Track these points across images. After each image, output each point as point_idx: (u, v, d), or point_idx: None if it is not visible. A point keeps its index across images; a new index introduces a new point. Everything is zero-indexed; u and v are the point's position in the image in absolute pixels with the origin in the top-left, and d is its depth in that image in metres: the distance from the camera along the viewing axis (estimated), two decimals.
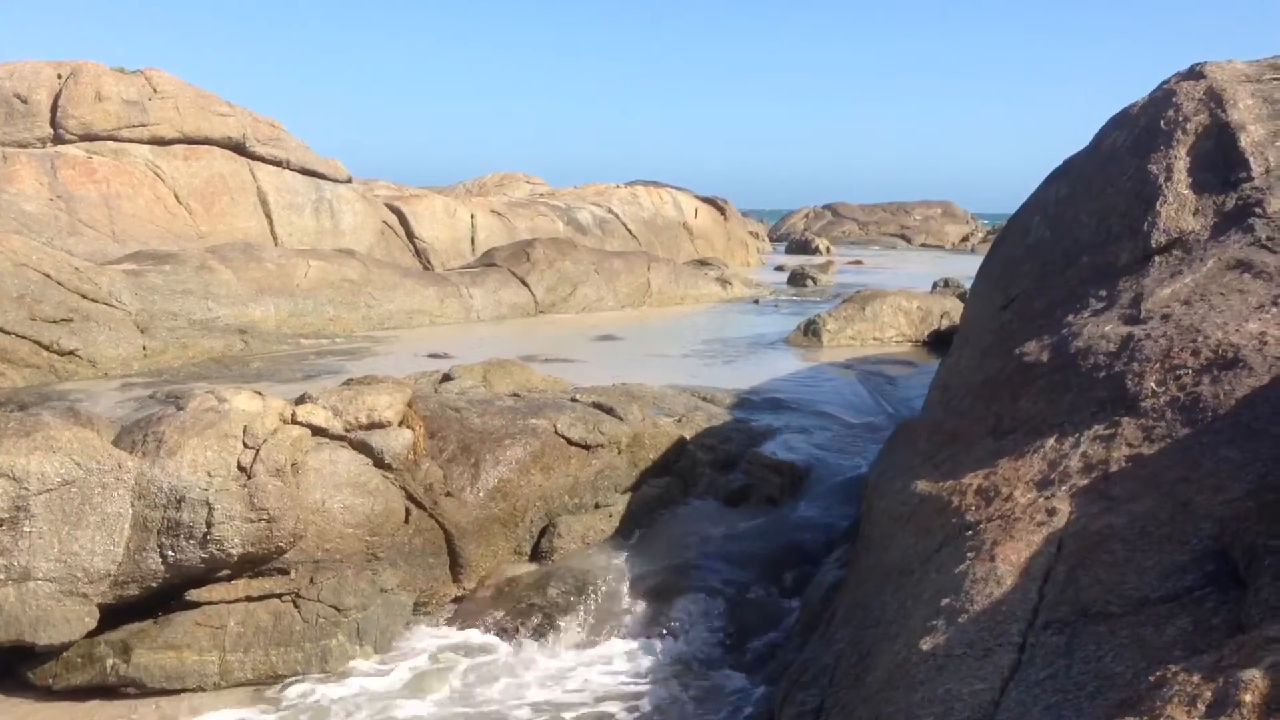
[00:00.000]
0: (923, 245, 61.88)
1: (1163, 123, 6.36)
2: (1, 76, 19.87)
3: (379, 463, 6.43)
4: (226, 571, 5.62)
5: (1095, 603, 3.45)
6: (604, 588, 6.59)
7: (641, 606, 6.50)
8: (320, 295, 16.79)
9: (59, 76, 20.37)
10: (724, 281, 25.05)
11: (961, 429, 5.71)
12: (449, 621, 6.42)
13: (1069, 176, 7.47)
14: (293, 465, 5.92)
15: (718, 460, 8.73)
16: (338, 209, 23.00)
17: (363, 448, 6.44)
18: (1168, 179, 5.95)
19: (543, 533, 7.14)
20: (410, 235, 24.82)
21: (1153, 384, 4.62)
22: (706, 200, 38.78)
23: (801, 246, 48.52)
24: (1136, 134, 6.60)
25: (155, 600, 5.59)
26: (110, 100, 20.26)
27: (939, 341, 16.32)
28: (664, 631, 6.30)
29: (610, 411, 8.17)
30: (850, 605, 5.31)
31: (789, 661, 5.56)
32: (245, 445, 5.85)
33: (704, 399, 11.18)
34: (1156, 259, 5.70)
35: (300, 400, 6.74)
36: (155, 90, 20.91)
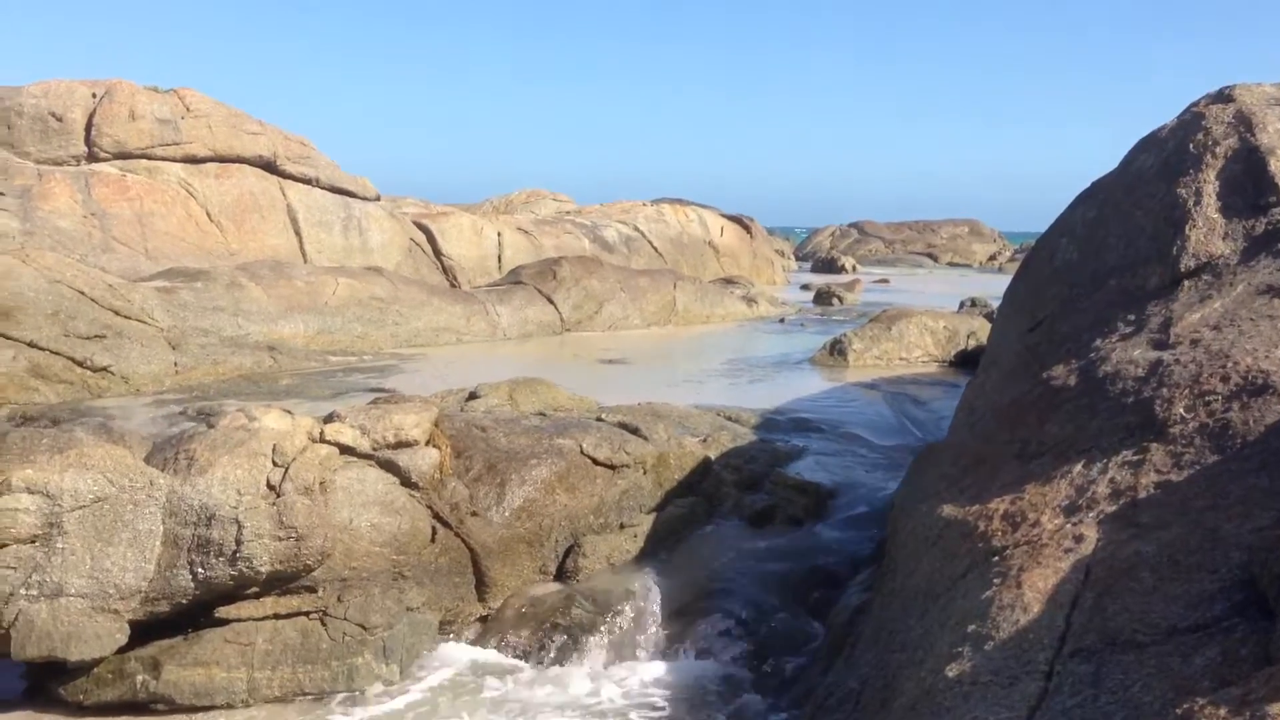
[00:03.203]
0: (949, 264, 61.78)
1: (1191, 146, 6.34)
2: (37, 95, 20.15)
3: (405, 481, 6.47)
4: (255, 589, 5.67)
5: (1123, 631, 3.44)
6: (628, 609, 6.60)
7: (665, 628, 6.51)
8: (348, 313, 16.91)
9: (93, 95, 20.65)
10: (749, 300, 25.06)
11: (987, 452, 5.70)
12: (474, 641, 6.45)
13: (1097, 199, 7.46)
14: (321, 484, 5.97)
15: (742, 480, 8.73)
16: (366, 227, 23.17)
17: (390, 467, 6.48)
18: (1197, 203, 5.93)
19: (568, 553, 7.15)
20: (438, 253, 24.96)
21: (1181, 410, 4.60)
22: (732, 219, 38.83)
23: (827, 265, 48.50)
24: (1165, 157, 6.59)
25: (185, 616, 5.64)
26: (144, 119, 20.52)
27: (966, 362, 16.26)
28: (688, 653, 6.30)
29: (636, 431, 8.19)
30: (875, 629, 5.30)
31: (814, 685, 5.55)
32: (274, 464, 5.90)
33: (729, 418, 11.18)
34: (1185, 283, 5.68)
35: (328, 419, 6.80)
36: (188, 109, 21.16)
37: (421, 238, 24.99)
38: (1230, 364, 4.67)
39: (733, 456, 9.04)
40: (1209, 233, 5.77)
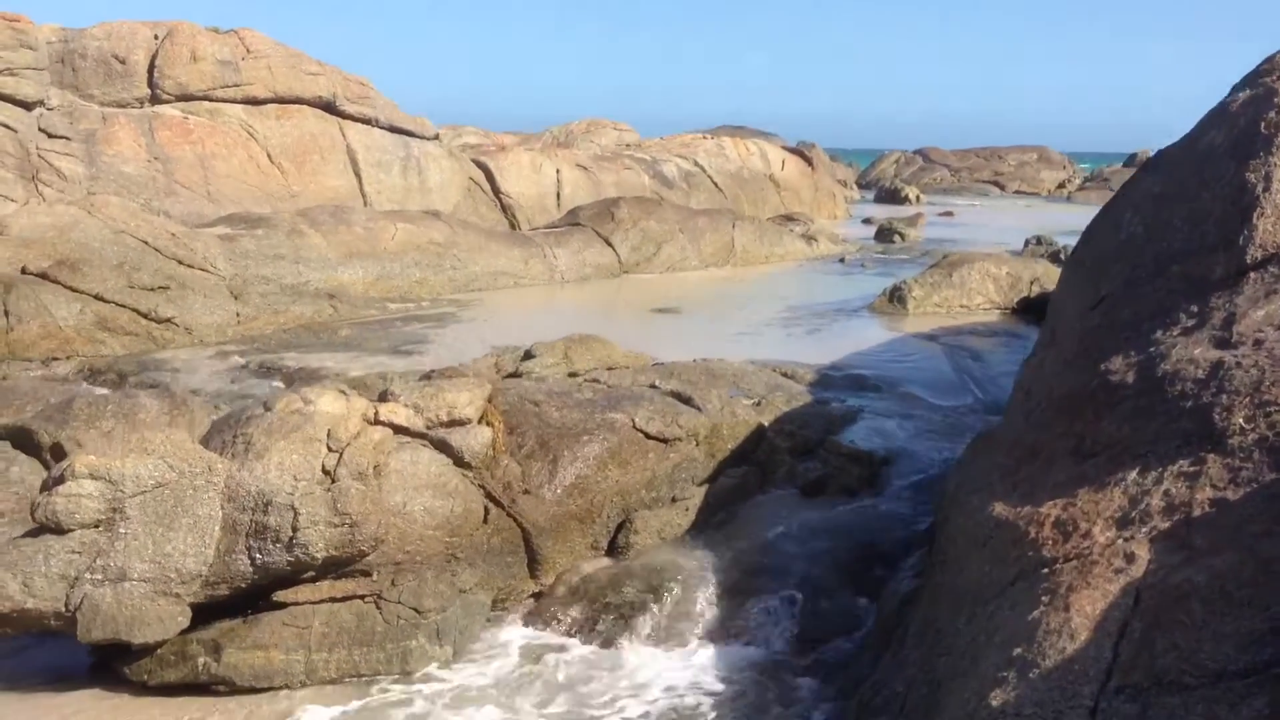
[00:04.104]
0: (1016, 192, 60.66)
1: (1263, 125, 6.12)
2: (99, 37, 20.30)
3: (458, 462, 6.53)
4: (311, 573, 5.78)
5: (1170, 671, 3.40)
6: (679, 587, 6.65)
7: (716, 607, 6.55)
8: (407, 258, 17.01)
9: (155, 37, 20.76)
10: (809, 239, 24.82)
11: (1042, 444, 5.62)
12: (526, 619, 6.54)
13: (1163, 171, 7.24)
14: (375, 468, 6.05)
15: (796, 447, 8.71)
16: (425, 166, 23.19)
17: (443, 446, 6.54)
18: (1265, 189, 5.74)
19: (619, 528, 7.20)
20: (496, 191, 24.96)
21: (1240, 420, 4.50)
22: (793, 151, 38.35)
23: (890, 195, 47.81)
24: (1235, 135, 6.37)
25: (243, 599, 5.78)
26: (205, 61, 20.61)
27: (1028, 309, 16.04)
28: (738, 634, 6.35)
29: (689, 401, 8.19)
30: (922, 625, 5.30)
31: (861, 676, 5.58)
32: (329, 448, 5.98)
33: (784, 375, 11.12)
34: (1251, 275, 5.52)
35: (383, 397, 6.87)
36: (248, 50, 21.22)
37: (480, 176, 24.97)
38: None
39: (786, 422, 9.00)
40: (1278, 222, 5.59)
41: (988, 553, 5.04)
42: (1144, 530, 4.27)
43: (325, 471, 5.89)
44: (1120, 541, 4.27)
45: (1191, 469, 4.47)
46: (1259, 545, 3.79)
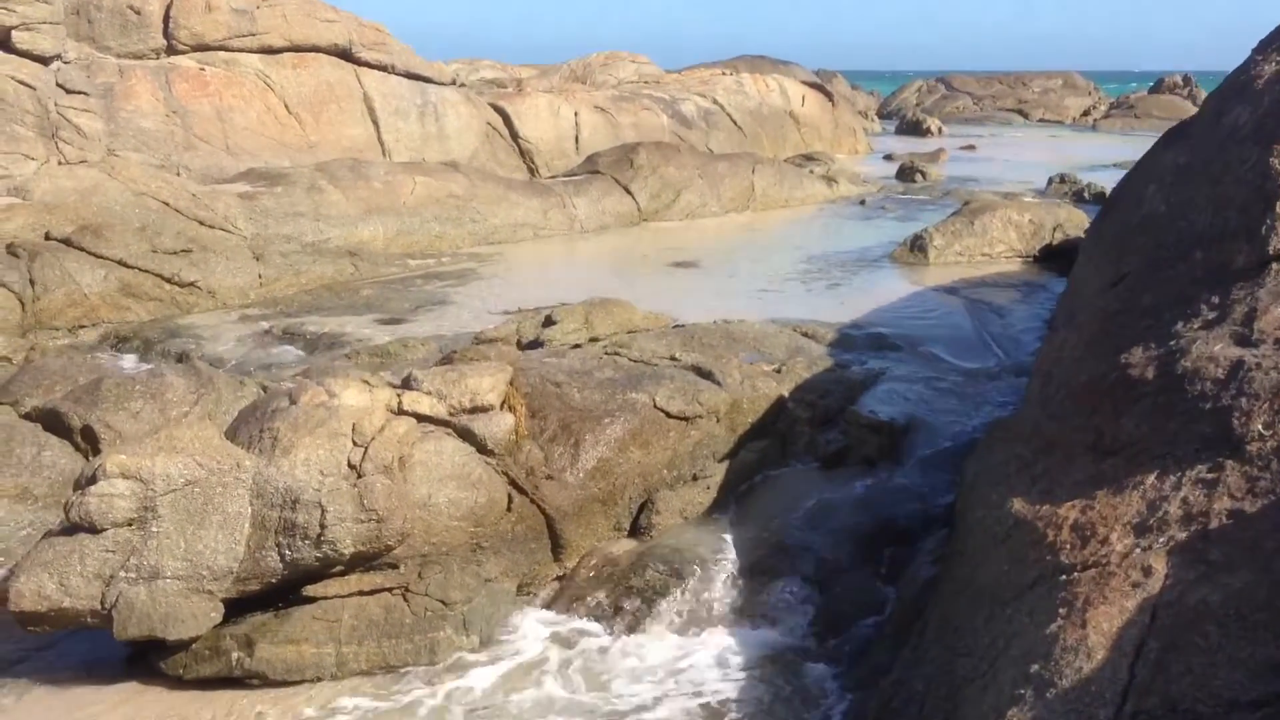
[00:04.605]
0: (1041, 121, 59.93)
1: None
2: None
3: (481, 449, 6.61)
4: (339, 568, 5.90)
5: (1185, 698, 3.46)
6: (700, 569, 6.75)
7: (736, 590, 6.65)
8: (426, 212, 17.02)
9: None
10: (830, 180, 24.65)
11: (1060, 437, 5.65)
12: (550, 604, 6.65)
13: (1188, 145, 7.19)
14: (400, 460, 6.13)
15: (816, 417, 8.75)
16: (443, 113, 23.06)
17: (466, 435, 6.61)
18: None
19: (641, 508, 7.29)
20: (514, 136, 24.83)
21: (1260, 426, 4.52)
22: (813, 85, 37.93)
23: (912, 128, 47.37)
24: (1260, 116, 6.30)
25: (274, 593, 5.90)
26: (220, 10, 20.45)
27: (1051, 257, 15.95)
28: (759, 618, 6.44)
29: (709, 376, 8.22)
30: (942, 620, 5.37)
31: (881, 665, 5.67)
32: (354, 443, 6.06)
33: (805, 335, 11.15)
34: (1273, 266, 5.49)
35: (406, 383, 6.93)
36: None
37: (498, 120, 24.83)
38: None
39: (807, 391, 9.03)
40: None
41: (1006, 551, 5.10)
42: (1161, 540, 4.31)
43: (351, 466, 5.98)
44: (1138, 552, 4.32)
45: (1210, 475, 4.50)
46: (1274, 564, 3.83)
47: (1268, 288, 5.38)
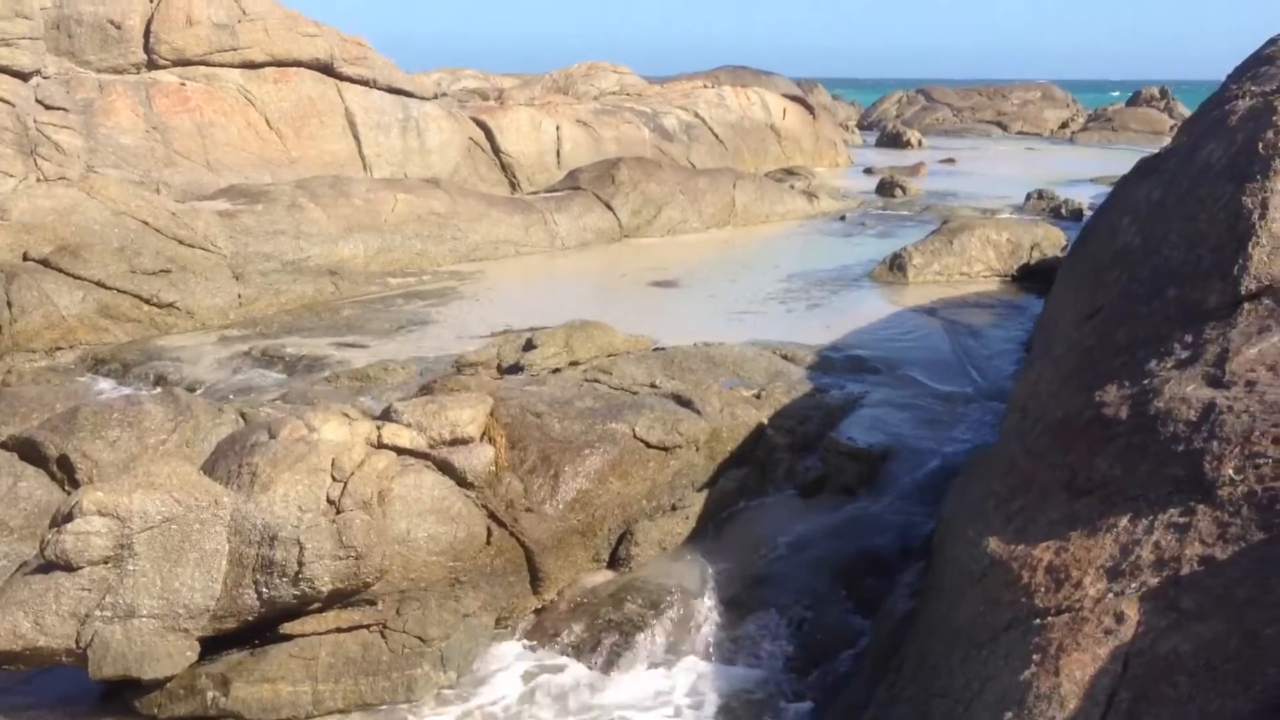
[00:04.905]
0: (1019, 133, 60.21)
1: (1260, 146, 6.11)
2: (94, 2, 20.04)
3: (461, 482, 6.62)
4: (317, 605, 5.89)
5: None
6: (679, 602, 6.78)
7: (714, 623, 6.68)
8: (407, 229, 17.01)
9: (150, 0, 20.51)
10: (810, 196, 24.73)
11: (1037, 474, 5.69)
12: (528, 636, 6.66)
13: (1161, 179, 7.25)
14: (379, 494, 6.13)
15: (795, 443, 8.80)
16: (424, 127, 23.05)
17: (446, 468, 6.62)
18: (1262, 216, 5.75)
19: (620, 539, 7.31)
20: (496, 150, 24.83)
21: (1230, 471, 4.56)
22: (794, 98, 38.05)
23: (892, 140, 47.50)
24: (1233, 153, 6.37)
25: (250, 631, 5.89)
26: (201, 24, 20.39)
27: (1029, 276, 16.05)
28: (737, 652, 6.47)
29: (689, 404, 8.25)
30: (918, 659, 5.41)
31: (858, 701, 5.70)
32: (334, 479, 6.06)
33: (785, 357, 11.19)
34: (1245, 306, 5.55)
35: (385, 415, 6.94)
36: (244, 12, 20.99)
37: (480, 134, 24.83)
38: None
39: (786, 417, 9.07)
40: (1273, 252, 5.61)
41: (982, 591, 5.13)
42: (1134, 586, 4.35)
43: (330, 502, 5.98)
44: (1110, 597, 4.36)
45: (1182, 519, 4.54)
46: (1245, 614, 3.87)
47: (1239, 328, 5.44)
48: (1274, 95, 6.56)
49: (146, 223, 13.72)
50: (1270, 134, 6.14)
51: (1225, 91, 8.69)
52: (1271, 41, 9.54)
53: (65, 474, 7.83)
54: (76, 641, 5.53)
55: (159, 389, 10.14)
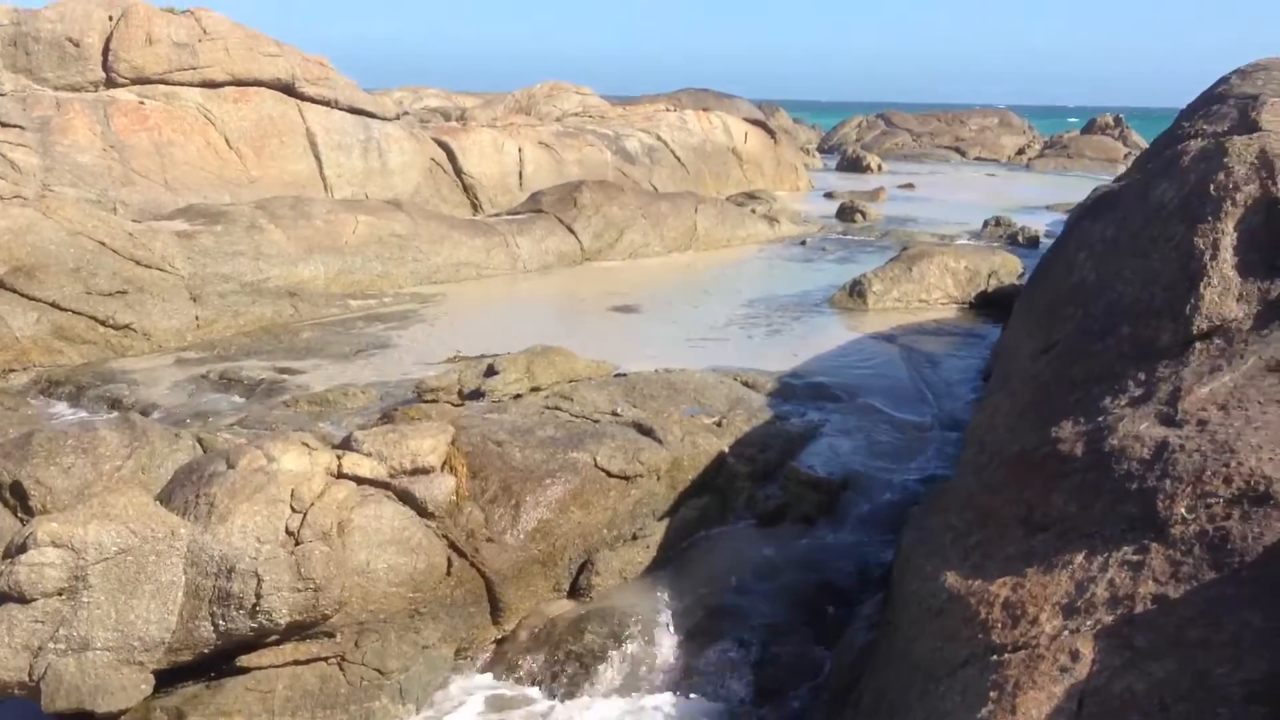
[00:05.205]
0: (977, 159, 60.90)
1: (1212, 187, 6.24)
2: (53, 19, 19.94)
3: (422, 512, 6.59)
4: (275, 637, 5.84)
5: None
6: (639, 632, 6.77)
7: (675, 654, 6.68)
8: (368, 251, 16.94)
9: (110, 18, 20.41)
10: (771, 220, 24.88)
11: (993, 509, 5.75)
12: (488, 667, 6.64)
13: (1116, 216, 7.38)
14: (339, 525, 6.10)
15: (756, 472, 8.84)
16: (386, 148, 23.01)
17: (406, 497, 6.60)
18: (1213, 257, 5.87)
19: (581, 568, 7.30)
20: (458, 171, 24.82)
21: (1183, 510, 4.63)
22: (755, 122, 38.34)
23: (852, 164, 47.96)
24: (1185, 194, 6.49)
25: (207, 663, 5.83)
26: (161, 43, 20.30)
27: (986, 304, 16.23)
28: (698, 683, 6.47)
29: (650, 433, 8.27)
30: (877, 693, 5.44)
31: None
32: (293, 509, 6.03)
33: (746, 384, 11.24)
34: (1197, 345, 5.66)
35: (345, 444, 6.91)
36: (205, 31, 20.91)
37: (441, 156, 24.82)
38: (1234, 462, 4.68)
39: (746, 444, 9.11)
40: (1223, 293, 5.72)
41: (939, 626, 5.18)
42: (1089, 623, 4.41)
43: (289, 533, 5.94)
44: (1066, 634, 4.41)
45: (1135, 557, 4.61)
46: (1196, 655, 3.94)
47: (1191, 367, 5.54)
48: (1225, 136, 6.70)
49: (103, 243, 13.58)
50: (1222, 176, 6.26)
51: (1178, 129, 8.85)
52: (1223, 80, 9.74)
53: (18, 500, 7.72)
54: (30, 674, 5.45)
55: (115, 413, 10.03)
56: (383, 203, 18.96)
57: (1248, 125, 6.80)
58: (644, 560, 7.57)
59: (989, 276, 16.88)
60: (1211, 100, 9.05)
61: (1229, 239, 5.91)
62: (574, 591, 7.28)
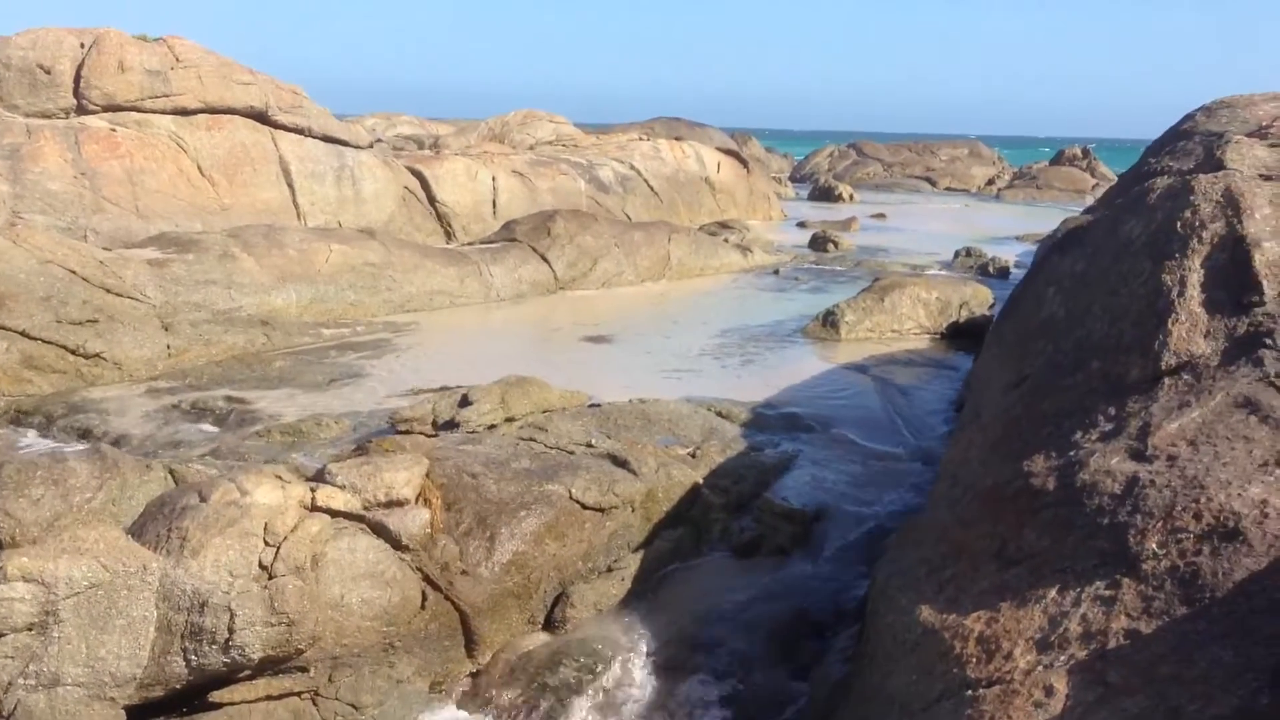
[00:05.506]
0: (947, 189, 61.43)
1: (1179, 225, 6.34)
2: (24, 47, 19.83)
3: (396, 545, 6.57)
4: (247, 672, 5.80)
5: None
6: (614, 666, 6.77)
7: (649, 688, 6.67)
8: (342, 280, 16.89)
9: (81, 45, 20.31)
10: (744, 249, 25.00)
11: (967, 542, 5.79)
12: (463, 701, 6.61)
13: (1085, 252, 7.47)
14: (312, 559, 6.07)
15: (730, 503, 8.86)
16: (359, 176, 22.99)
17: (380, 530, 6.58)
18: (1180, 294, 5.95)
19: (556, 601, 7.30)
20: (432, 200, 24.82)
21: (1154, 545, 4.69)
22: (728, 152, 38.55)
23: (824, 194, 48.31)
24: (1153, 231, 6.59)
25: (178, 699, 5.78)
26: (133, 70, 20.21)
27: (957, 334, 16.36)
28: (672, 717, 6.47)
29: (625, 465, 8.28)
30: None
31: None
32: (266, 543, 5.99)
33: (720, 414, 11.30)
34: (1166, 381, 5.73)
35: (319, 477, 6.88)
36: (178, 59, 20.84)
37: (415, 184, 24.81)
38: (1204, 498, 4.74)
39: (721, 476, 9.14)
40: (1191, 329, 5.80)
41: (914, 660, 5.20)
42: (1062, 658, 4.44)
43: (262, 567, 5.90)
44: (1040, 670, 4.44)
45: (1108, 593, 4.65)
46: (1169, 691, 3.97)
47: (1160, 403, 5.61)
48: (1191, 174, 6.81)
49: (74, 271, 13.49)
50: (1188, 213, 6.36)
51: (1144, 165, 9.00)
52: (1188, 117, 9.91)
53: None
54: (0, 710, 5.40)
55: (85, 443, 9.94)
56: (356, 231, 18.93)
57: (1213, 163, 6.92)
58: (619, 592, 7.57)
59: (960, 307, 17.02)
60: (1178, 137, 9.20)
61: (1196, 276, 6.00)
62: (549, 624, 7.27)
